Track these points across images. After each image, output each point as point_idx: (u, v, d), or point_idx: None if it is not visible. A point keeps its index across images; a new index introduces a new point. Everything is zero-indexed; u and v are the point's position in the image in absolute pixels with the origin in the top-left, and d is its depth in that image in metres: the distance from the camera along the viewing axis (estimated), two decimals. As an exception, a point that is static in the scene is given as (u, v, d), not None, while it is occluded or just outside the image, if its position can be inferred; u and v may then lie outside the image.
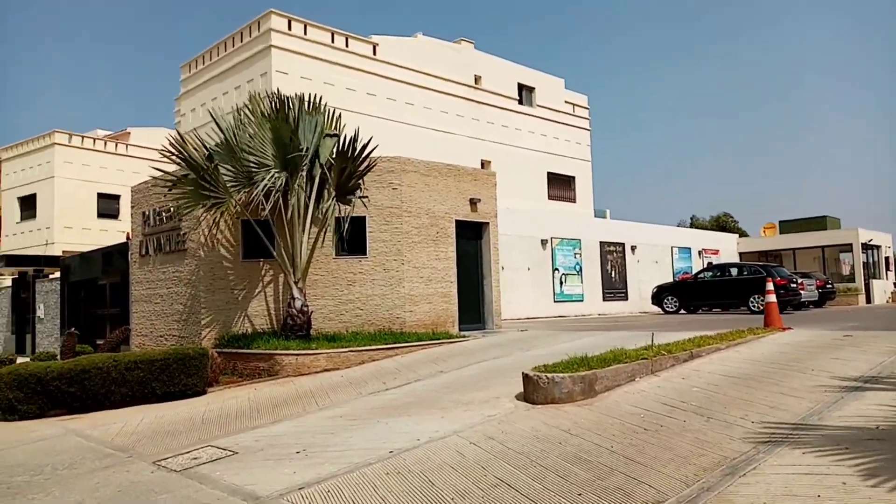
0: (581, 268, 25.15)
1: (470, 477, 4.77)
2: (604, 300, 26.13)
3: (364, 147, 11.00)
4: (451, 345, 11.50)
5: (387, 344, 11.02)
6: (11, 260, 20.04)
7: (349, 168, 11.03)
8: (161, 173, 11.86)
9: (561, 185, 31.81)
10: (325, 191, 11.95)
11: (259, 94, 11.83)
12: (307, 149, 10.93)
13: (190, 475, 5.55)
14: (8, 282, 21.72)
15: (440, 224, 13.13)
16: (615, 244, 26.93)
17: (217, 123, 11.15)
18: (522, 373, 6.99)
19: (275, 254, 11.63)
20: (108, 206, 33.85)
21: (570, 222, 25.84)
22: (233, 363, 11.03)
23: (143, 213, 13.79)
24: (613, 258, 26.85)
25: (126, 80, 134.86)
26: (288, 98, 11.20)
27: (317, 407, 7.95)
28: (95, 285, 17.30)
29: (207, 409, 8.40)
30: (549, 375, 6.62)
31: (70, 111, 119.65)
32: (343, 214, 11.62)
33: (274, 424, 7.25)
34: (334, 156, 11.86)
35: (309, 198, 11.44)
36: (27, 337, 21.13)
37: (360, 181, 11.33)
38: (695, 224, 57.69)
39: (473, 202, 13.73)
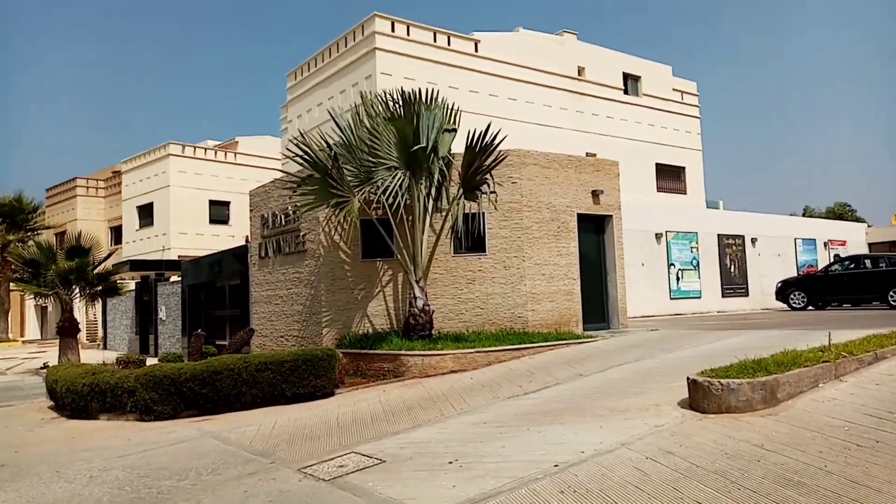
0: (698, 262, 23.75)
1: (663, 501, 4.14)
2: (723, 296, 24.59)
3: (493, 140, 10.51)
4: (581, 345, 10.84)
5: (512, 345, 10.50)
6: (135, 265, 21.01)
7: (477, 163, 10.57)
8: (283, 174, 11.81)
9: (670, 177, 30.32)
10: (444, 188, 11.60)
11: (373, 93, 11.63)
12: (428, 145, 10.59)
13: (340, 485, 5.21)
14: (131, 285, 22.76)
15: (561, 218, 12.48)
16: (734, 237, 25.29)
17: (336, 123, 10.99)
18: (688, 378, 6.26)
19: (395, 253, 11.35)
20: (218, 212, 35.20)
21: (685, 214, 24.50)
22: (356, 364, 10.83)
23: (262, 215, 13.89)
24: (732, 252, 25.22)
25: (233, 91, 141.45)
26: (407, 94, 10.89)
27: (454, 411, 7.52)
28: (214, 287, 17.74)
29: (340, 412, 8.15)
30: (724, 381, 5.87)
31: (181, 124, 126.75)
32: (460, 211, 11.12)
33: (414, 430, 6.86)
34: (452, 151, 11.53)
35: (428, 195, 11.11)
36: (150, 337, 22.07)
37: (488, 176, 10.85)
38: (808, 215, 53.89)
39: (595, 194, 12.98)
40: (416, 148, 10.28)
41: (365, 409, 8.18)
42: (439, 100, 11.38)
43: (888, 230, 35.41)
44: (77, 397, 9.90)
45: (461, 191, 10.76)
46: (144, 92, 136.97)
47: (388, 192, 10.48)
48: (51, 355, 22.99)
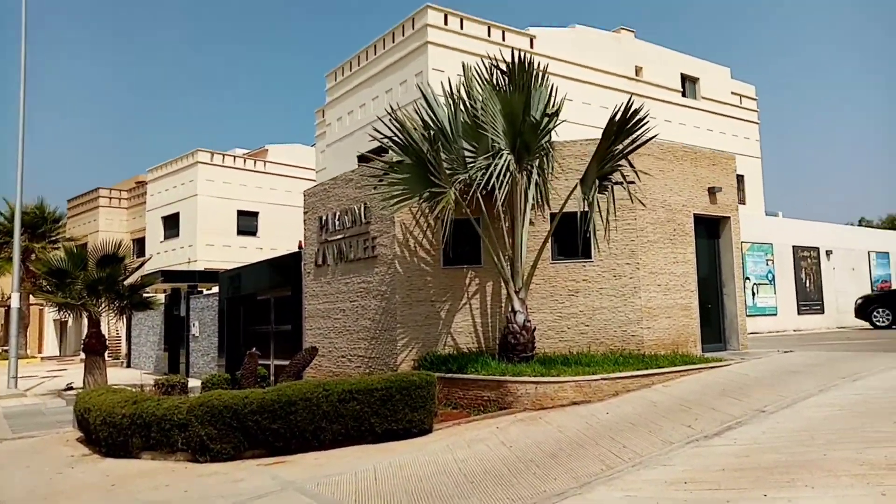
0: (773, 276, 21.73)
1: None
2: (798, 314, 22.53)
3: (635, 113, 8.69)
4: (717, 370, 8.94)
5: (637, 370, 8.63)
6: (168, 276, 19.37)
7: (615, 144, 8.74)
8: (372, 161, 10.05)
9: (728, 186, 28.34)
10: (543, 180, 9.85)
11: (474, 66, 9.98)
12: (540, 123, 8.85)
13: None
14: (161, 298, 21.08)
15: (677, 219, 10.63)
16: (809, 249, 23.23)
17: (427, 101, 9.24)
18: None
19: (483, 258, 9.57)
20: (247, 223, 33.60)
21: (759, 224, 22.55)
22: (446, 391, 8.98)
23: (320, 218, 12.16)
24: (807, 265, 23.15)
25: (259, 99, 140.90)
26: (522, 57, 9.16)
27: (622, 462, 5.66)
28: (255, 301, 16.00)
29: (456, 458, 6.31)
30: None
31: (207, 132, 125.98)
32: (593, 205, 9.08)
33: (585, 490, 5.01)
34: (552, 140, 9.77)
35: (529, 188, 9.35)
36: (181, 355, 20.33)
37: (622, 163, 8.98)
38: (866, 227, 51.44)
39: (712, 192, 11.13)
40: (525, 126, 8.50)
41: (488, 455, 6.34)
42: (544, 76, 9.67)
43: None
44: (115, 431, 8.14)
45: (595, 182, 8.83)
46: (165, 101, 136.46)
47: (491, 179, 8.66)
48: (72, 374, 21.34)
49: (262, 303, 15.66)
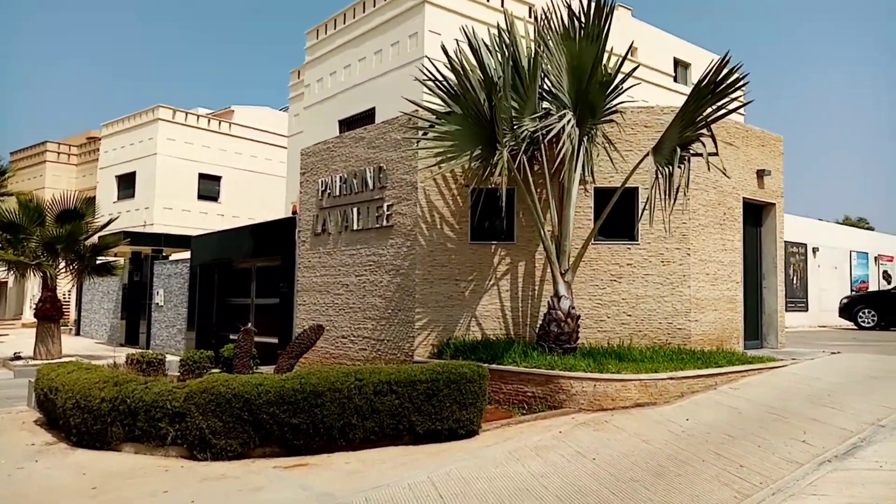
0: (765, 271, 21.28)
1: None
2: (785, 310, 22.17)
3: (731, 72, 7.56)
4: (776, 372, 8.06)
5: (699, 369, 7.66)
6: (133, 237, 17.55)
7: (701, 110, 7.66)
8: (414, 109, 8.62)
9: (712, 177, 27.86)
10: (591, 148, 8.74)
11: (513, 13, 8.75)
12: (614, 77, 7.80)
13: None
14: (121, 262, 19.24)
15: (727, 202, 9.69)
16: (797, 245, 22.88)
17: (472, 47, 7.98)
18: None
19: (527, 234, 8.44)
20: (208, 187, 31.58)
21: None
22: (479, 384, 7.83)
23: (321, 181, 10.78)
24: (796, 261, 22.81)
25: (226, 60, 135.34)
26: (596, 6, 7.99)
27: (754, 486, 4.61)
28: (233, 269, 14.52)
29: (533, 472, 5.17)
30: None
31: (169, 89, 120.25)
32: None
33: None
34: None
35: (586, 156, 8.25)
36: (141, 325, 18.63)
37: (705, 131, 7.91)
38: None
39: (761, 175, 10.23)
40: (594, 80, 7.42)
41: (570, 469, 5.23)
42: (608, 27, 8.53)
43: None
44: (90, 417, 6.74)
45: (677, 150, 7.72)
46: (123, 54, 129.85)
47: (541, 143, 7.52)
48: (16, 341, 19.41)
49: (241, 272, 14.20)
